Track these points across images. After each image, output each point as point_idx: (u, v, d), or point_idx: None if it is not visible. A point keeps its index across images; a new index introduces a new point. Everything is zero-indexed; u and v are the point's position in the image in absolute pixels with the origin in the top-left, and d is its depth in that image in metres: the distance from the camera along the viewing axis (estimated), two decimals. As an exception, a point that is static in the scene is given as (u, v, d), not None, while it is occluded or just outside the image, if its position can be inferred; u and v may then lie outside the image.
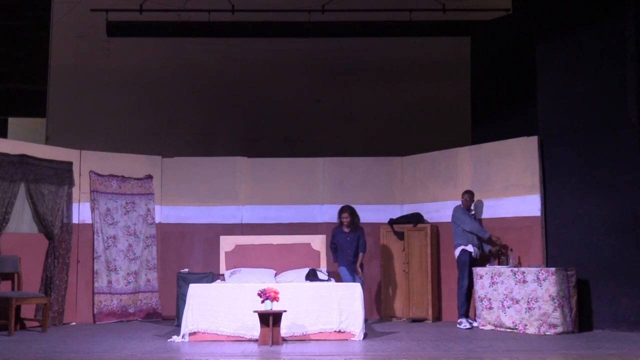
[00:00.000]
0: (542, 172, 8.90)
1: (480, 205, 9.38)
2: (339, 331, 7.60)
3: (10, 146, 9.01)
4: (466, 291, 8.90)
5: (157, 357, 6.49)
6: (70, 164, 9.59)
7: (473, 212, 9.24)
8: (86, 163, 9.82)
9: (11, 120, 14.47)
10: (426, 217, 9.95)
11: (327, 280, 8.52)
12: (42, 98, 12.99)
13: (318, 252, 9.33)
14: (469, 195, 9.13)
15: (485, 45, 11.27)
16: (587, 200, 8.47)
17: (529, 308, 8.07)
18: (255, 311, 7.18)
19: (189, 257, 10.23)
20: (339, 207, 9.84)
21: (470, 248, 8.95)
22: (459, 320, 8.80)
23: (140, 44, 12.90)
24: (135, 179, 10.18)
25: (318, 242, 9.41)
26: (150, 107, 13.08)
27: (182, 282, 8.83)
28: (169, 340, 7.58)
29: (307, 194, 10.46)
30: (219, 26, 12.09)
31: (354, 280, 8.71)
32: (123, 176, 10.08)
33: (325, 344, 7.25)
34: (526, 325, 8.09)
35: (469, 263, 8.93)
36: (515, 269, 8.29)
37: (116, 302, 9.68)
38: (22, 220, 8.99)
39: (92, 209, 9.73)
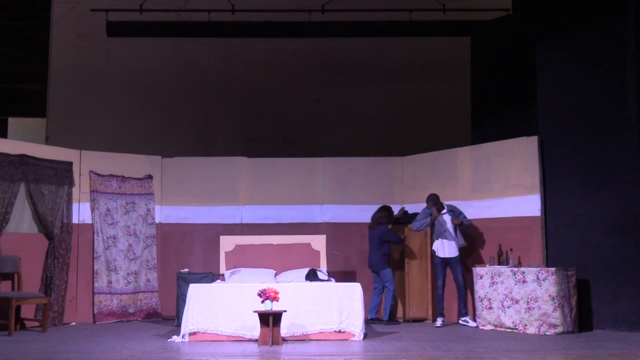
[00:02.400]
0: (542, 172, 8.90)
1: (478, 206, 9.39)
2: (339, 331, 7.60)
3: (10, 146, 9.01)
4: (441, 291, 8.98)
5: (157, 357, 6.48)
6: (70, 164, 9.59)
7: (445, 212, 9.15)
8: (86, 163, 9.82)
9: (11, 120, 14.46)
10: (426, 217, 9.95)
11: (327, 280, 8.52)
12: (42, 98, 12.99)
13: (318, 252, 9.32)
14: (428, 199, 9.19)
15: (485, 45, 11.27)
16: (587, 200, 8.47)
17: (529, 308, 8.07)
18: (255, 311, 7.18)
19: (189, 257, 10.23)
20: (338, 207, 9.99)
21: (436, 249, 9.05)
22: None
23: (140, 44, 12.90)
24: (135, 179, 10.18)
25: (318, 242, 9.40)
26: (150, 107, 13.08)
27: (182, 282, 8.82)
28: (169, 340, 7.57)
29: (307, 194, 10.47)
30: (219, 26, 12.09)
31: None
32: (123, 176, 10.08)
33: (325, 344, 7.24)
34: (526, 325, 8.09)
35: (440, 263, 9.02)
36: (515, 269, 8.29)
37: (116, 302, 9.68)
38: (22, 220, 8.99)
39: (92, 209, 9.73)
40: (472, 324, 8.79)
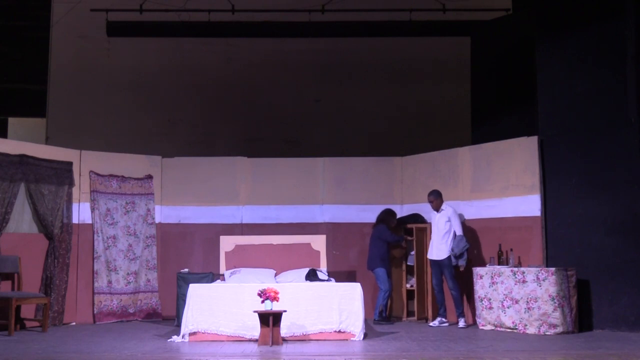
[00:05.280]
0: (542, 172, 8.90)
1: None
2: (339, 331, 7.60)
3: (10, 146, 9.01)
4: (436, 292, 9.06)
5: (157, 357, 6.48)
6: (70, 164, 9.59)
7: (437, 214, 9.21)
8: (86, 163, 9.82)
9: (11, 120, 14.48)
10: (426, 217, 9.95)
11: (327, 280, 8.52)
12: (42, 98, 12.99)
13: (318, 252, 9.32)
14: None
15: (485, 45, 11.27)
16: (587, 200, 8.47)
17: (529, 308, 8.07)
18: (255, 311, 7.18)
19: (189, 257, 10.23)
20: (339, 207, 10.05)
21: (429, 251, 9.24)
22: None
23: (140, 44, 12.90)
24: (135, 179, 10.18)
25: (318, 242, 9.40)
26: (151, 107, 13.08)
27: (182, 282, 8.83)
28: (169, 340, 7.57)
29: (307, 194, 10.46)
30: (219, 26, 12.11)
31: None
32: (123, 176, 10.08)
33: (325, 344, 7.24)
34: (526, 325, 8.09)
35: (432, 265, 9.14)
36: (515, 269, 8.29)
37: (116, 302, 9.68)
38: (22, 220, 8.99)
39: (92, 209, 9.73)
40: (461, 324, 8.76)
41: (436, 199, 9.14)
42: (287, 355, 6.52)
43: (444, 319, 8.94)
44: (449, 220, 8.99)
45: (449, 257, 8.92)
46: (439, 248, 8.99)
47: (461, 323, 8.77)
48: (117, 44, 12.81)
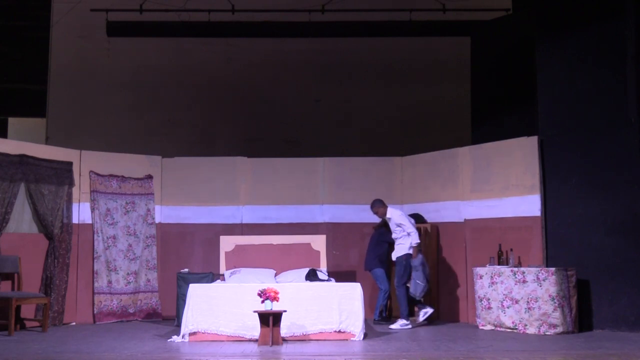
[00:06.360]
0: (542, 172, 8.90)
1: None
2: (339, 331, 7.60)
3: (10, 146, 9.01)
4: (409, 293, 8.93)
5: (157, 357, 6.48)
6: (70, 164, 9.59)
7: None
8: (86, 163, 9.82)
9: (11, 120, 14.48)
10: (426, 217, 9.96)
11: (327, 280, 8.52)
12: (42, 98, 13.00)
13: (318, 252, 9.32)
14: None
15: (485, 45, 11.27)
16: (587, 200, 8.47)
17: (529, 308, 8.07)
18: (255, 311, 7.18)
19: (189, 257, 10.23)
20: (339, 207, 10.03)
21: None
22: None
23: (140, 44, 12.91)
24: (135, 179, 10.18)
25: (318, 242, 9.40)
26: (151, 107, 13.09)
27: (182, 282, 8.83)
28: (169, 340, 7.57)
29: (307, 194, 10.47)
30: (219, 26, 12.12)
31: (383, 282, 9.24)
32: (123, 176, 10.08)
33: (325, 344, 7.24)
34: (526, 325, 8.09)
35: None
36: (515, 269, 8.29)
37: (116, 302, 9.68)
38: (22, 220, 8.99)
39: (92, 209, 9.73)
40: (394, 325, 8.63)
41: (380, 209, 9.03)
42: (287, 355, 6.52)
43: (425, 308, 8.83)
44: (399, 225, 8.88)
45: (402, 256, 8.80)
46: (396, 248, 8.93)
47: (396, 324, 8.61)
48: (117, 44, 12.80)
